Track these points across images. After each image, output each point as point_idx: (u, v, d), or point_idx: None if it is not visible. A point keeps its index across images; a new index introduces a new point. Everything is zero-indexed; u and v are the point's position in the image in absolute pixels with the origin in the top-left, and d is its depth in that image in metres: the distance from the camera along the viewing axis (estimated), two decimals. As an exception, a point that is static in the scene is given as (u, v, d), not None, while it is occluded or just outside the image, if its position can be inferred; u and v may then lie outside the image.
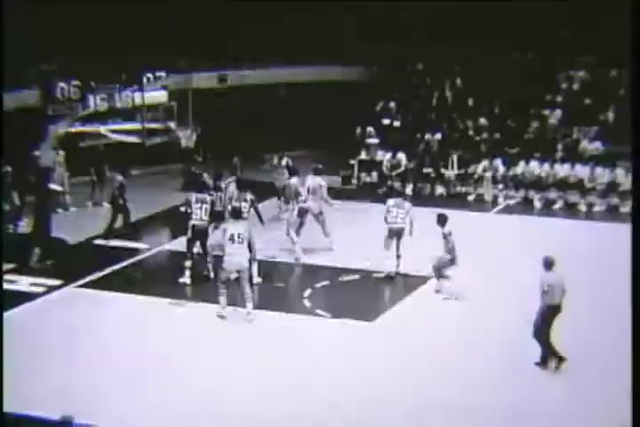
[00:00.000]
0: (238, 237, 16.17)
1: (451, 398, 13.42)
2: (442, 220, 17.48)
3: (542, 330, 14.26)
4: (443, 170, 26.34)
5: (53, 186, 22.33)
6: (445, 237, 17.40)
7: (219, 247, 16.90)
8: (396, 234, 18.62)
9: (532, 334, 14.27)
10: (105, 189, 23.98)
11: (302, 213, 20.08)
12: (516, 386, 13.93)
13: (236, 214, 17.00)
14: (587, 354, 14.70)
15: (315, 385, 13.96)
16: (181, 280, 18.31)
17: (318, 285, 18.39)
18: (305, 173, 21.23)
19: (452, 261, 17.54)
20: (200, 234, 18.39)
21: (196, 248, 18.64)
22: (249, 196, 18.95)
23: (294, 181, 20.72)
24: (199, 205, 18.24)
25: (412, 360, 14.75)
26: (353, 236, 21.03)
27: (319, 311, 16.99)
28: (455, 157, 26.29)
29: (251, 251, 16.54)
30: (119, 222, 21.51)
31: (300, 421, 12.89)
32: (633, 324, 9.17)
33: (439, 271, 17.77)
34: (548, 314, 14.22)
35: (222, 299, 16.52)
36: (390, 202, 18.87)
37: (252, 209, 18.93)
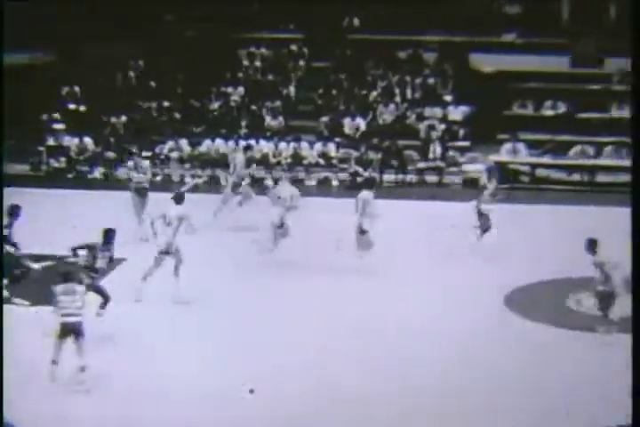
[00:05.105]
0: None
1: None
2: (590, 245, 15.37)
3: None
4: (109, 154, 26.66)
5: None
6: (598, 266, 15.37)
7: None
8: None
9: None
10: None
11: None
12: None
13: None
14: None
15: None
16: None
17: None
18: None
19: (612, 295, 15.24)
20: None
21: None
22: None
23: None
24: None
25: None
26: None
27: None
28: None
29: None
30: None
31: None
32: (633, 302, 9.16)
33: (605, 310, 15.48)
34: None
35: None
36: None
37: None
